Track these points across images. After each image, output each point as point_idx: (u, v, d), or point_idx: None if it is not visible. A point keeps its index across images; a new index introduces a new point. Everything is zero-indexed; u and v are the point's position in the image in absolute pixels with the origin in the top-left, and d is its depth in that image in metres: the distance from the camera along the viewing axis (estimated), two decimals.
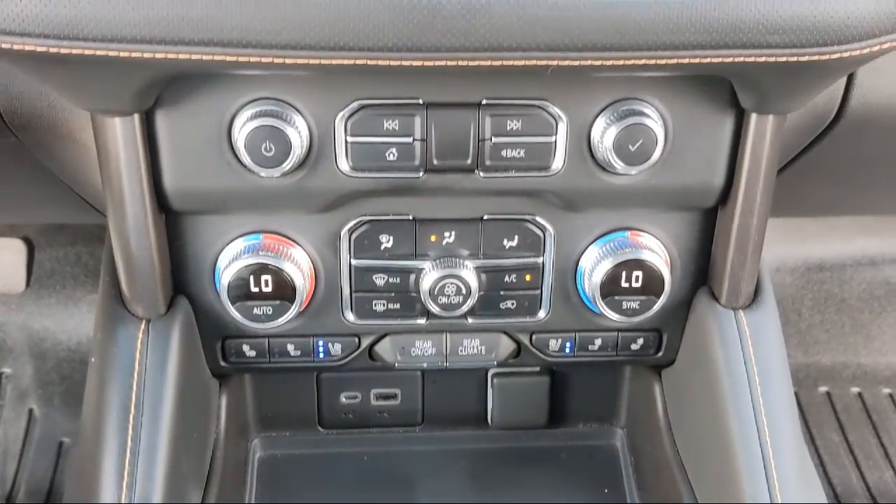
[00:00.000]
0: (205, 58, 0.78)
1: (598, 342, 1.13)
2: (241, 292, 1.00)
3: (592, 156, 0.96)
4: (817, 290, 1.99)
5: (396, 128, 0.93)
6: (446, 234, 1.03)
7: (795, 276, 1.98)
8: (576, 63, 0.81)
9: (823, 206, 1.55)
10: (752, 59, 0.82)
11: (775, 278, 1.96)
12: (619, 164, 0.94)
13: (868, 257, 1.99)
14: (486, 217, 1.02)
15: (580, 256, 1.06)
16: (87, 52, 0.78)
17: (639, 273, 1.02)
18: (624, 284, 1.03)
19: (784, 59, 0.82)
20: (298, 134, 0.91)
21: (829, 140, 1.10)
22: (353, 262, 1.03)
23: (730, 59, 0.82)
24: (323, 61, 0.79)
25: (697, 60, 0.82)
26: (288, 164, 0.91)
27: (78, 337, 1.88)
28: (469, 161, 0.95)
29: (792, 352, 1.96)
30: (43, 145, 1.04)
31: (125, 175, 0.93)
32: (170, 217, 1.00)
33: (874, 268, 1.99)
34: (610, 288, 1.03)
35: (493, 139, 0.94)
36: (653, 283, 1.03)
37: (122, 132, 0.90)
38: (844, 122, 1.06)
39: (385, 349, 1.13)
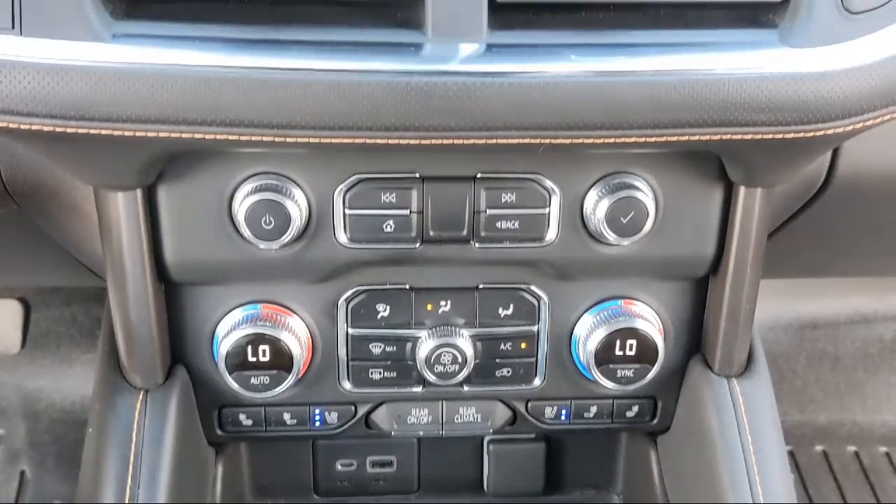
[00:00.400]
0: (208, 137, 0.81)
1: (594, 409, 1.14)
2: (238, 362, 1.01)
3: (585, 227, 0.98)
4: (811, 348, 2.00)
5: (394, 200, 0.95)
6: (442, 302, 1.04)
7: (789, 333, 1.99)
8: (567, 141, 0.83)
9: (815, 268, 1.57)
10: (738, 137, 0.85)
11: (769, 336, 1.97)
12: (611, 236, 0.96)
13: (861, 315, 2.00)
14: (481, 286, 1.04)
15: (574, 324, 1.07)
16: (92, 131, 0.80)
17: (633, 341, 1.04)
18: (618, 353, 1.04)
19: (770, 136, 0.85)
20: (297, 207, 0.93)
21: (819, 206, 1.12)
22: (351, 331, 1.04)
23: (717, 137, 0.85)
24: (323, 140, 0.82)
25: (686, 138, 0.84)
26: (287, 237, 0.93)
27: (72, 397, 1.87)
28: (465, 232, 0.97)
29: (788, 410, 1.96)
30: (44, 212, 1.06)
31: (126, 247, 0.95)
32: (169, 287, 1.02)
33: (867, 326, 2.01)
34: (604, 356, 1.04)
35: (488, 211, 0.96)
36: (647, 352, 1.04)
37: (125, 206, 0.92)
38: (832, 189, 1.09)
39: (381, 417, 1.13)
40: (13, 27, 0.77)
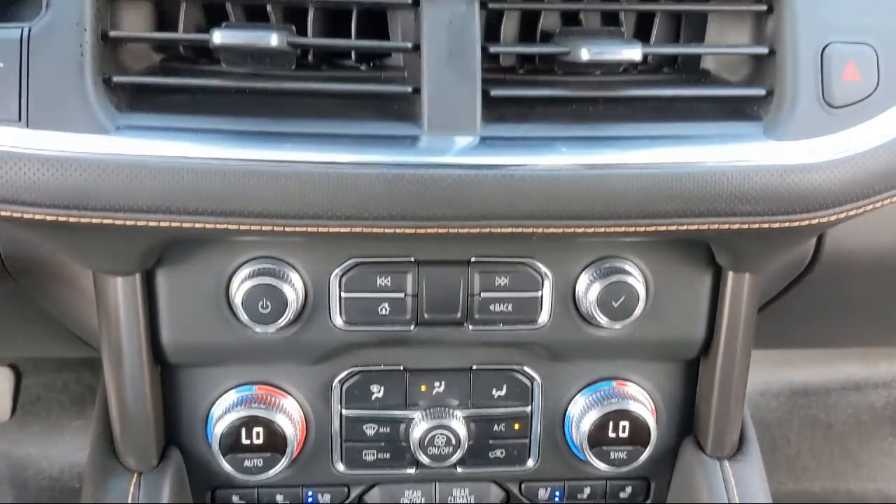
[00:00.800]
0: (208, 226, 0.82)
1: (587, 491, 1.14)
2: (232, 444, 1.01)
3: (577, 310, 1.00)
4: (803, 415, 2.00)
5: (389, 284, 0.96)
6: (436, 383, 1.05)
7: (780, 400, 1.99)
8: (559, 231, 0.85)
9: (804, 340, 1.58)
10: (725, 227, 0.87)
11: (760, 403, 1.97)
12: (603, 320, 0.97)
13: (852, 382, 2.00)
14: (475, 367, 1.05)
15: (568, 406, 1.08)
16: (94, 220, 0.81)
17: (625, 423, 1.04)
18: (611, 434, 1.05)
19: (756, 226, 0.87)
20: (294, 291, 0.94)
21: (806, 283, 1.14)
22: (345, 412, 1.05)
23: (706, 227, 0.87)
24: (320, 229, 0.83)
25: (675, 228, 0.86)
26: (283, 321, 0.94)
27: (61, 465, 1.85)
28: (459, 315, 0.98)
29: (782, 478, 1.96)
30: (41, 289, 1.07)
31: (124, 330, 0.95)
32: (164, 369, 1.02)
33: (859, 393, 2.01)
34: (597, 438, 1.05)
35: (482, 294, 0.97)
36: (639, 434, 1.05)
37: (124, 290, 0.93)
38: (819, 268, 1.11)
39: (375, 499, 1.13)
40: (20, 119, 0.79)
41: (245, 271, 0.94)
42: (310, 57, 0.91)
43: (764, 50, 0.89)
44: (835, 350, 1.98)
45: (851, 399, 2.01)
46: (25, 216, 0.81)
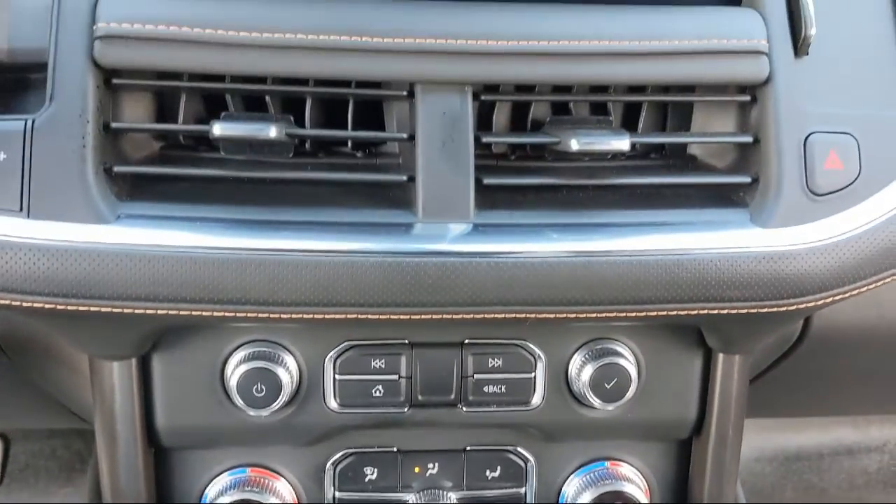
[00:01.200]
0: (205, 314, 0.83)
1: None
2: None
3: (570, 391, 1.00)
4: (797, 479, 1.99)
5: (383, 366, 0.97)
6: (430, 465, 1.05)
7: (774, 465, 1.99)
8: (551, 316, 0.87)
9: (795, 409, 1.59)
10: (715, 312, 0.88)
11: (754, 468, 1.96)
12: (596, 401, 0.98)
13: (845, 447, 2.00)
14: (468, 448, 1.05)
15: (562, 486, 1.07)
16: (93, 309, 0.82)
17: None
18: None
19: (745, 311, 0.89)
20: (289, 373, 0.94)
21: (796, 356, 1.15)
22: (338, 494, 1.04)
23: (694, 312, 0.88)
24: (316, 316, 0.84)
25: (665, 314, 0.88)
26: (278, 404, 0.94)
27: None
28: (452, 396, 0.99)
29: None
30: (34, 365, 1.07)
31: (119, 413, 0.96)
32: (158, 451, 1.02)
33: (851, 457, 2.01)
34: None
35: (476, 376, 0.98)
36: None
37: (119, 375, 0.94)
38: (808, 342, 1.12)
39: None
40: (21, 209, 0.81)
41: (240, 355, 0.95)
42: (307, 145, 0.93)
43: (749, 139, 0.92)
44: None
45: (844, 464, 2.00)
46: (24, 304, 0.82)
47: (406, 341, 0.97)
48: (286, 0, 0.86)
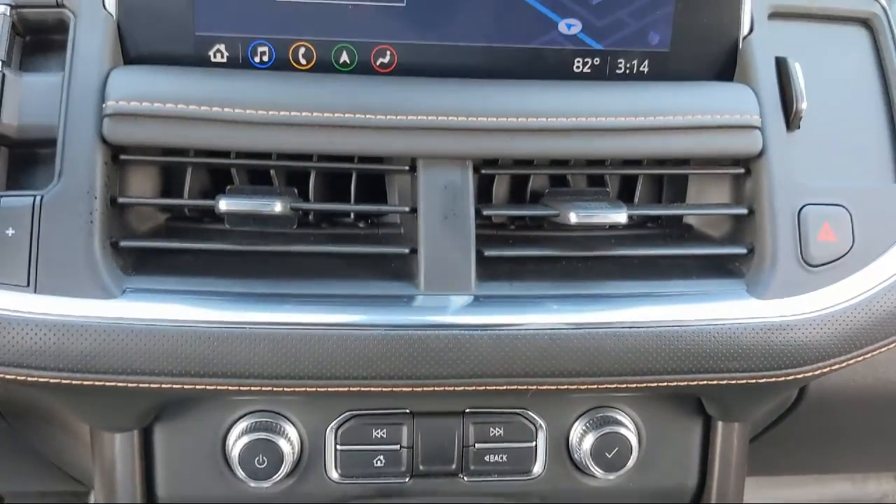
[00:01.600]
0: (209, 388, 0.84)
1: None
2: None
3: (571, 459, 1.01)
4: None
5: (385, 436, 0.97)
6: None
7: None
8: (553, 388, 0.87)
9: (794, 467, 1.59)
10: (714, 383, 0.89)
11: None
12: (597, 471, 0.98)
13: (844, 501, 1.99)
14: None
15: None
16: (97, 383, 0.83)
17: None
18: None
19: (744, 381, 0.89)
20: (290, 444, 0.94)
21: (793, 417, 1.16)
22: None
23: (694, 383, 0.89)
24: (319, 389, 0.85)
25: (664, 384, 0.89)
26: (279, 475, 0.94)
27: None
28: (454, 466, 0.99)
29: None
30: (33, 430, 1.07)
31: (120, 484, 0.95)
32: None
33: None
34: None
35: (477, 445, 0.98)
36: None
37: (121, 446, 0.94)
38: (805, 404, 1.13)
39: None
40: (28, 284, 0.82)
41: (241, 426, 0.95)
42: (311, 217, 0.94)
43: (744, 210, 0.93)
44: None
45: None
46: (30, 379, 0.82)
47: (407, 411, 0.97)
48: (289, 78, 0.88)
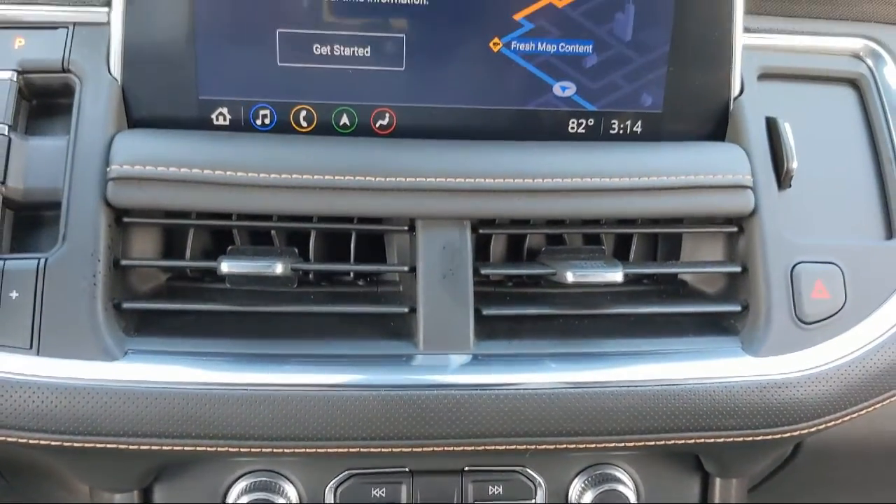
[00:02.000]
0: (209, 449, 0.84)
1: None
2: None
3: None
4: None
5: (384, 495, 0.97)
6: None
7: None
8: (552, 447, 0.88)
9: None
10: (711, 440, 0.90)
11: None
12: None
13: None
14: None
15: None
16: (98, 445, 0.83)
17: None
18: None
19: (741, 438, 0.90)
20: None
21: (791, 468, 1.16)
22: None
23: (691, 441, 0.90)
24: (318, 450, 0.85)
25: (662, 442, 0.89)
26: None
27: None
28: None
29: None
30: (34, 489, 1.06)
31: None
32: None
33: None
34: None
35: (476, 503, 0.98)
36: None
37: None
38: (802, 456, 1.13)
39: None
40: (30, 346, 0.82)
41: (241, 486, 0.95)
42: (311, 275, 0.95)
43: (737, 268, 0.95)
44: None
45: None
46: (31, 442, 0.82)
47: (406, 469, 0.97)
48: (290, 141, 0.90)
